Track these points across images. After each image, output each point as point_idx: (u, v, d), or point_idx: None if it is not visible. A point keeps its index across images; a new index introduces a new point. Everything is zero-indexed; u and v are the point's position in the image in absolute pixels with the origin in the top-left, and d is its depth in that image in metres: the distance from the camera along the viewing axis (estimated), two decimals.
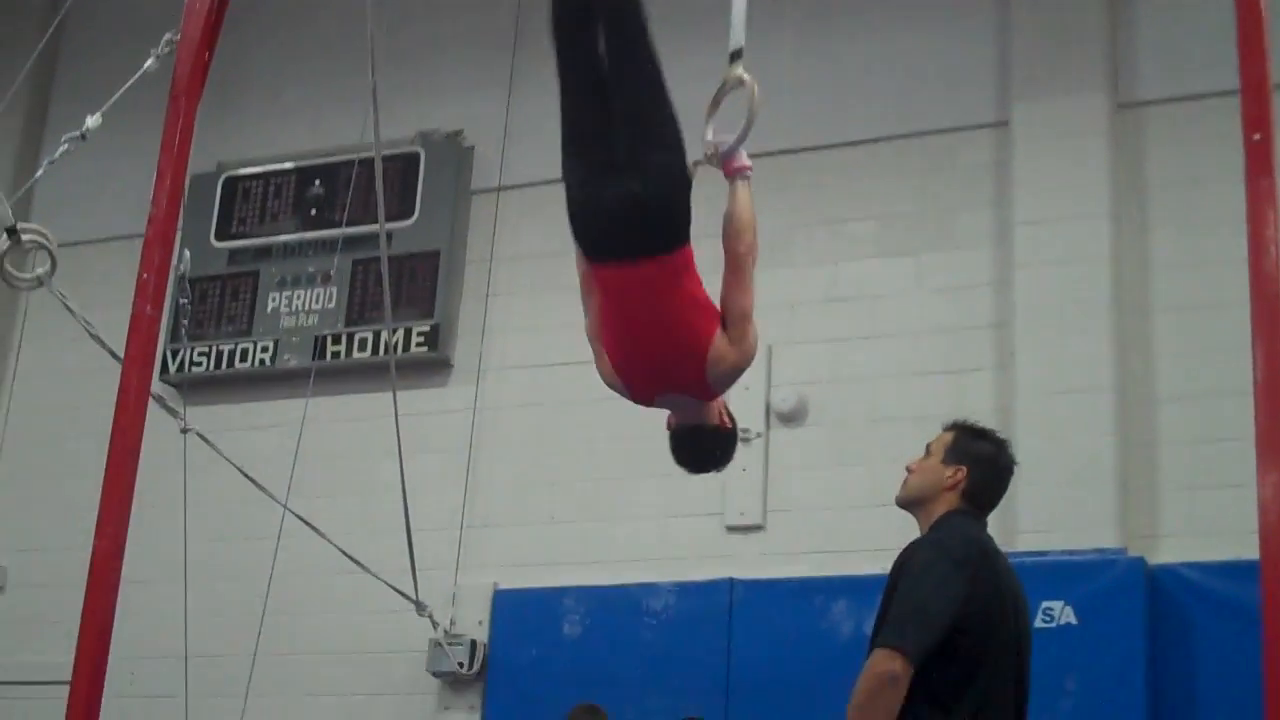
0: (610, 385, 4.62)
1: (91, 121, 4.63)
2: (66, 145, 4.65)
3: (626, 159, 4.40)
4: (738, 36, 4.55)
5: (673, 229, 4.38)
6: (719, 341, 4.39)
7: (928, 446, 4.55)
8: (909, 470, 4.53)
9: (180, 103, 4.45)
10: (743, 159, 4.56)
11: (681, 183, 4.41)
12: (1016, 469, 4.58)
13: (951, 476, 4.41)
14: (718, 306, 4.45)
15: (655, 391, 4.52)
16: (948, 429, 4.59)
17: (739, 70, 4.49)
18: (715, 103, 4.55)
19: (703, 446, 4.64)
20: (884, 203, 8.93)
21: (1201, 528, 7.75)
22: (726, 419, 4.62)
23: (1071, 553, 7.73)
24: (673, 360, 4.40)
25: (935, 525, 4.36)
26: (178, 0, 4.75)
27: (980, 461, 4.45)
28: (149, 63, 4.65)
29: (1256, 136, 3.78)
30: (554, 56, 4.66)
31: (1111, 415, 8.01)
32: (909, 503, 4.50)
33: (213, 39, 4.60)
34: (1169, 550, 7.82)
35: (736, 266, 4.45)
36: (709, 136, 4.55)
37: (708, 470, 4.77)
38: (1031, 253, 8.38)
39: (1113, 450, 7.95)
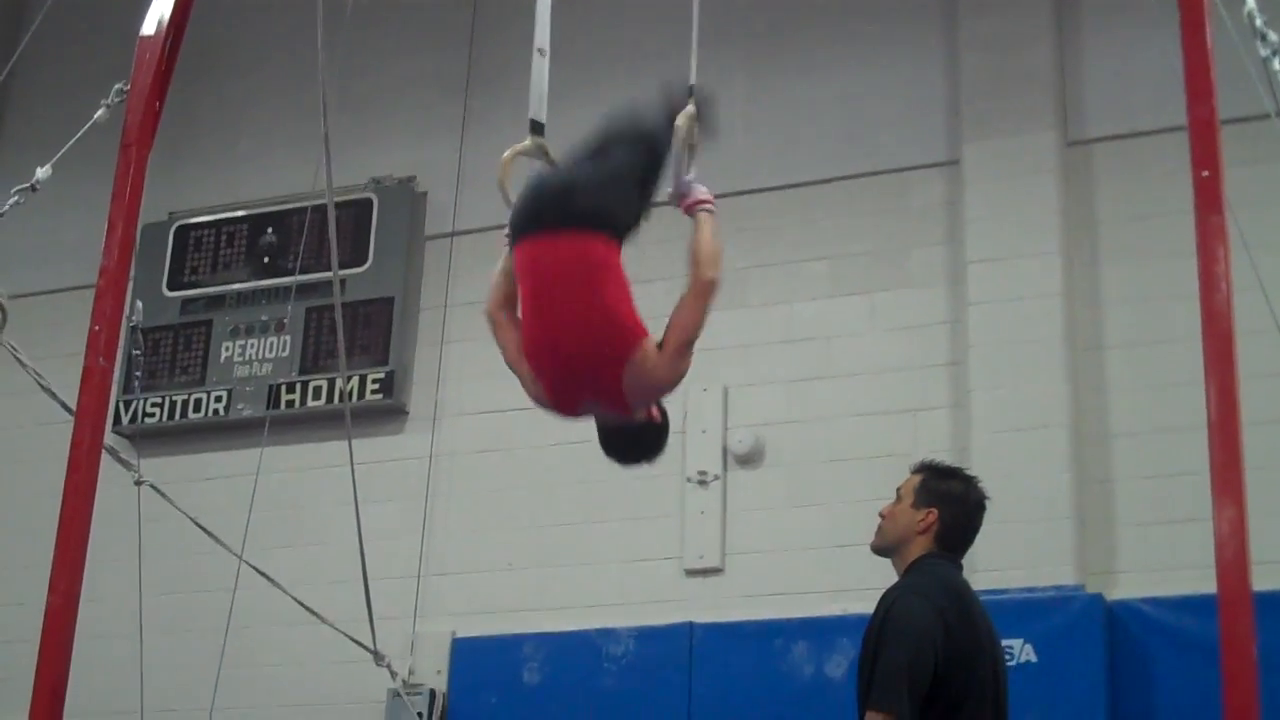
0: (538, 401, 4.45)
1: (42, 173, 4.61)
2: (17, 197, 4.62)
3: (583, 158, 4.46)
4: (690, 73, 4.59)
5: (600, 212, 4.31)
6: (648, 349, 4.21)
7: (898, 490, 4.56)
8: (881, 516, 4.54)
9: (131, 152, 4.44)
10: (699, 193, 4.51)
11: (621, 194, 4.37)
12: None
13: (923, 520, 4.43)
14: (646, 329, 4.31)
15: (574, 398, 4.35)
16: (915, 470, 4.60)
17: (690, 106, 4.51)
18: (682, 144, 4.55)
19: (630, 439, 4.43)
20: (838, 243, 8.96)
21: (1159, 563, 7.77)
22: (656, 412, 4.41)
23: (1030, 590, 7.74)
24: (590, 352, 4.23)
25: (909, 570, 4.38)
26: (127, 50, 4.74)
27: (950, 501, 4.47)
28: (99, 113, 4.63)
29: (1205, 173, 3.81)
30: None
31: (1067, 452, 8.03)
32: (883, 549, 4.52)
33: (163, 88, 4.60)
34: (1127, 586, 7.83)
35: (697, 292, 4.32)
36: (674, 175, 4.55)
37: (637, 463, 4.55)
38: (984, 291, 8.41)
39: (1069, 487, 7.97)
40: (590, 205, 4.30)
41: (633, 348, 4.20)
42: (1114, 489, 8.04)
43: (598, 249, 4.26)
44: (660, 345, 4.25)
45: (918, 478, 4.56)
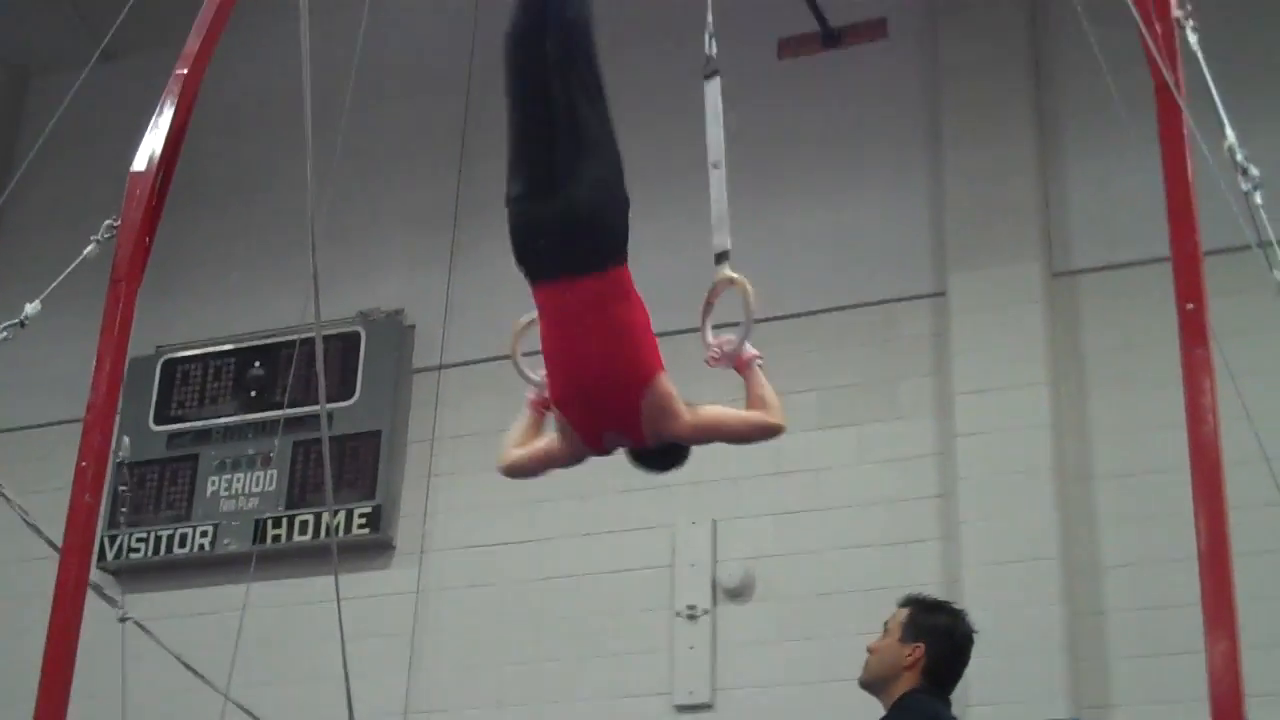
0: (571, 459, 4.60)
1: (30, 309, 4.61)
2: (5, 333, 4.62)
3: (563, 173, 4.43)
4: (722, 239, 4.69)
5: (606, 244, 4.40)
6: (664, 384, 4.39)
7: (885, 624, 4.53)
8: (869, 651, 4.51)
9: (120, 288, 4.45)
10: (750, 349, 4.67)
11: (615, 198, 4.45)
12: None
13: (910, 655, 4.39)
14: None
15: (598, 428, 4.47)
16: (903, 604, 4.58)
17: (726, 271, 4.65)
18: (708, 304, 4.69)
19: (657, 457, 4.61)
20: (826, 375, 8.96)
21: (1153, 696, 7.69)
22: (683, 431, 4.57)
23: None
24: (610, 381, 4.38)
25: (896, 706, 4.33)
26: (117, 184, 4.77)
27: (937, 636, 4.43)
28: (89, 249, 4.65)
29: (1190, 306, 3.83)
30: (505, 73, 4.61)
31: (1058, 584, 7.99)
32: (870, 684, 4.48)
33: (153, 224, 4.62)
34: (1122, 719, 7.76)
35: (759, 424, 4.60)
36: (708, 339, 4.67)
37: (665, 472, 4.72)
38: (972, 422, 8.41)
39: (1061, 619, 7.92)
40: (595, 241, 4.39)
41: (648, 379, 4.37)
42: (1106, 621, 7.99)
43: (612, 283, 4.38)
44: (693, 409, 4.47)
45: (905, 612, 4.54)
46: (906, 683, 4.38)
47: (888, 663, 4.44)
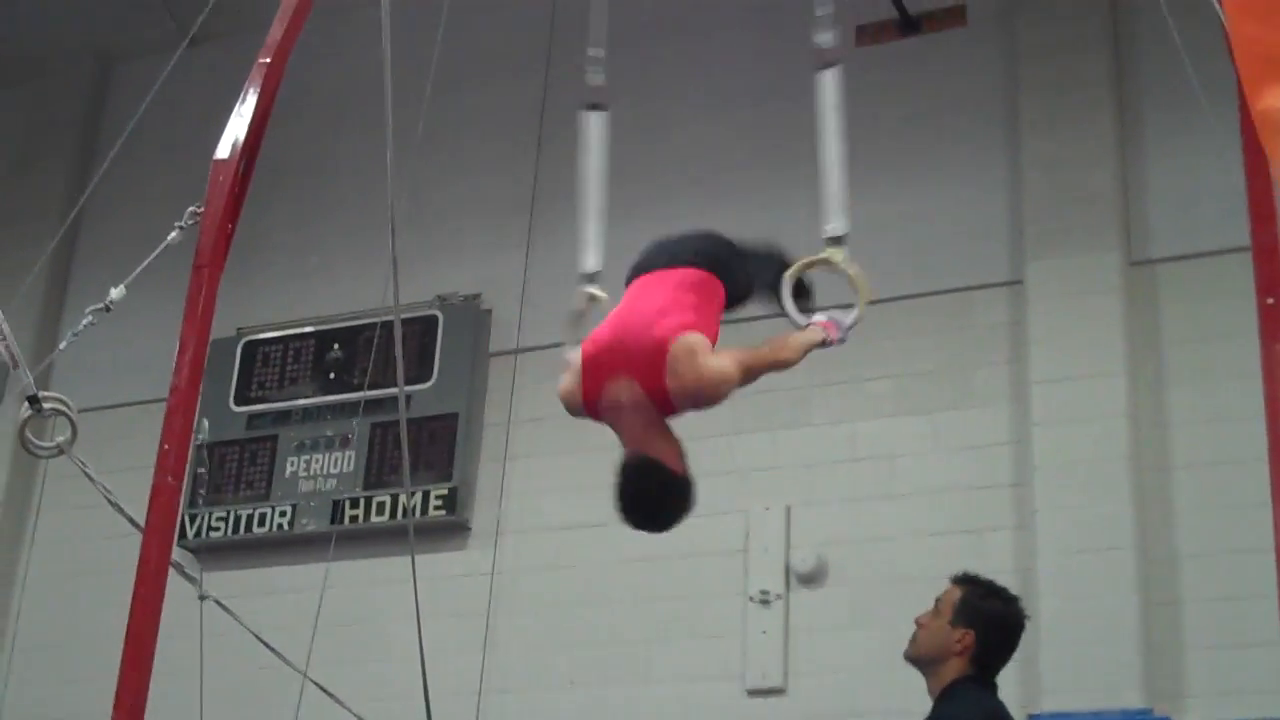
0: (567, 401, 4.66)
1: (115, 294, 4.67)
2: (90, 317, 4.68)
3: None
4: (840, 222, 4.96)
5: (712, 256, 4.67)
6: (701, 338, 4.33)
7: (936, 600, 4.52)
8: (918, 624, 4.50)
9: (203, 274, 4.50)
10: (822, 321, 4.93)
11: (735, 253, 4.82)
12: (1035, 626, 4.55)
13: (960, 640, 4.37)
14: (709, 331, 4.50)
15: (613, 369, 4.39)
16: (956, 582, 4.56)
17: (840, 257, 4.99)
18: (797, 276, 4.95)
19: (652, 488, 4.25)
20: (901, 362, 8.95)
21: (1227, 687, 7.64)
22: (680, 465, 4.30)
23: (1096, 714, 7.64)
24: (646, 320, 4.39)
25: (946, 696, 4.32)
26: (199, 169, 4.83)
27: (989, 623, 4.41)
28: (173, 235, 4.70)
29: (1270, 300, 3.80)
30: None
31: (1133, 574, 7.95)
32: (916, 661, 4.48)
33: (236, 211, 4.67)
34: (1195, 710, 7.71)
35: (776, 356, 4.57)
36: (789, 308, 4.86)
37: (653, 524, 4.37)
38: (1049, 411, 8.38)
39: (1136, 609, 7.88)
40: (703, 250, 4.66)
41: (687, 326, 4.35)
42: (1181, 611, 7.94)
43: (700, 274, 4.56)
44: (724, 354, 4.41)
45: (958, 591, 4.50)
46: (954, 669, 4.36)
47: (936, 644, 4.42)
